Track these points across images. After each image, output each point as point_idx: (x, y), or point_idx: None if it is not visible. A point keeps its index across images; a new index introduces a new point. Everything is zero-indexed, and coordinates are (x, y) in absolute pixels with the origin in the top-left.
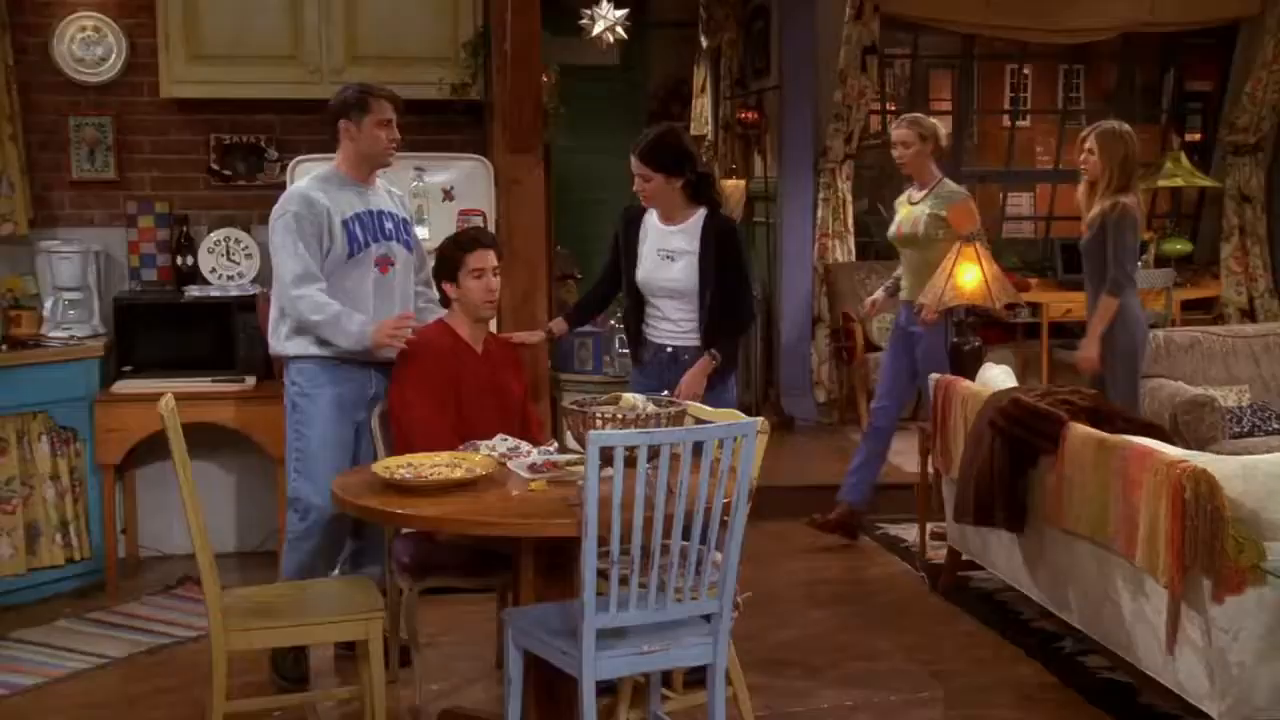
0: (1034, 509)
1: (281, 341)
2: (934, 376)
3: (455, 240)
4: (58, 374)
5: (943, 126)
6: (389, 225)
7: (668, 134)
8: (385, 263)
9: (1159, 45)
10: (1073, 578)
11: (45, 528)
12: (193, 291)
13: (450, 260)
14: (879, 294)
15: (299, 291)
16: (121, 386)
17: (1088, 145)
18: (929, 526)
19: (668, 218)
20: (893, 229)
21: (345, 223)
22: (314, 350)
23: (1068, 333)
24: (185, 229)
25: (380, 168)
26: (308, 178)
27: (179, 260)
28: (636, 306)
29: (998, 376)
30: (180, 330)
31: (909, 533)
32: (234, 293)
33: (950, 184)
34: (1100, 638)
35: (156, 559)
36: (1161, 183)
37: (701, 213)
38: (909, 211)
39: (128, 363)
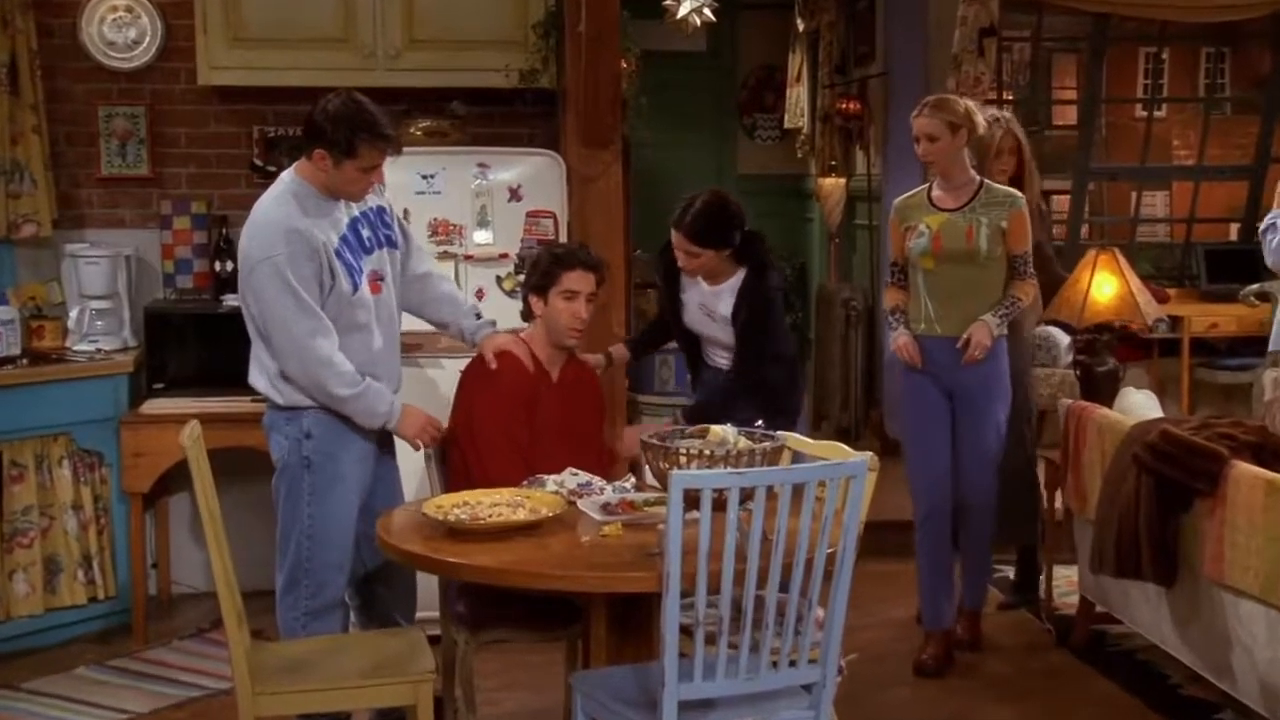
0: (1187, 560)
1: (287, 390)
2: (1065, 402)
3: (555, 254)
4: (82, 391)
5: (979, 109)
6: (366, 233)
7: (716, 207)
8: (377, 280)
9: None
10: (1236, 641)
11: (66, 563)
12: (232, 301)
13: (545, 274)
14: (905, 335)
15: (318, 355)
16: (152, 406)
17: None
18: (1057, 571)
19: (712, 279)
20: (923, 241)
21: (338, 252)
22: None
23: (1211, 350)
24: (225, 231)
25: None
26: (275, 200)
27: (218, 266)
28: (689, 342)
29: (1140, 403)
30: (218, 344)
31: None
32: None
33: (999, 186)
34: (1270, 714)
35: (191, 597)
36: None
37: (742, 274)
38: (947, 221)
39: (160, 380)
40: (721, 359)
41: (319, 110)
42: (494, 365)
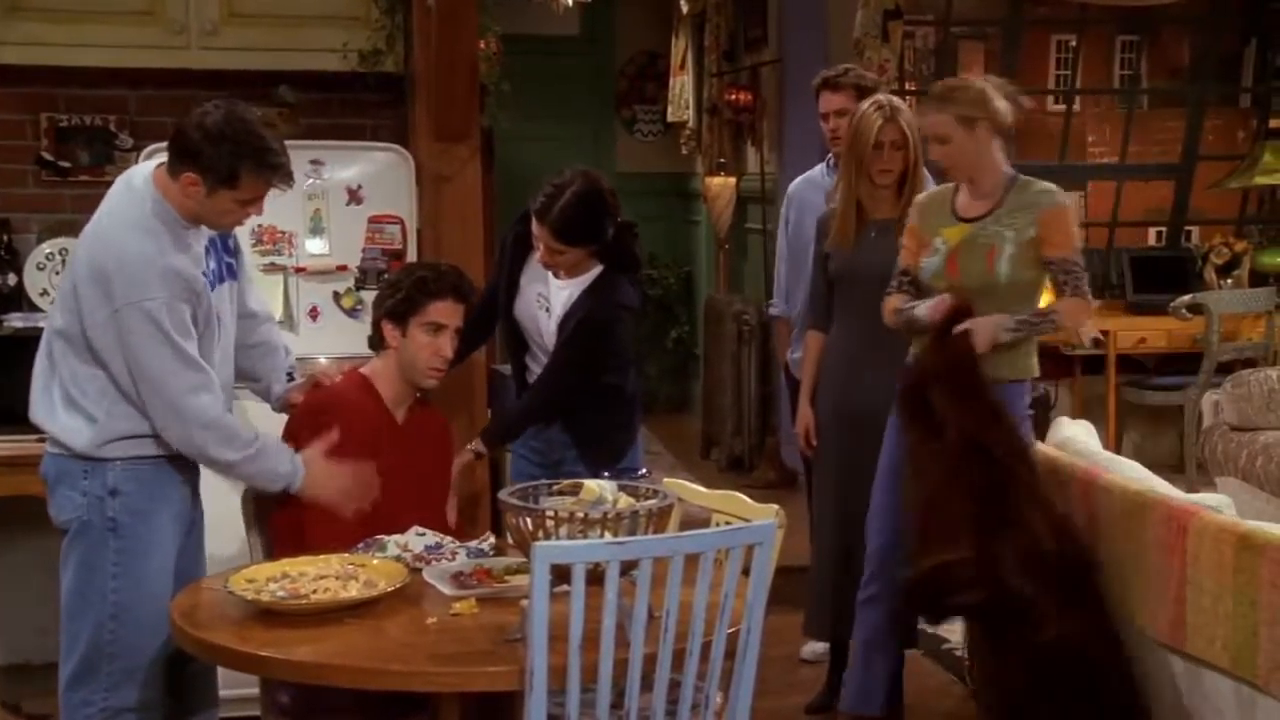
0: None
1: (88, 431)
2: None
3: (420, 277)
4: None
5: (1001, 89)
6: (212, 264)
7: (592, 197)
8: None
9: (1239, 9)
10: (1201, 716)
11: None
12: (14, 321)
13: (406, 300)
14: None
15: (202, 416)
16: None
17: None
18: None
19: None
20: (937, 261)
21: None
22: (150, 449)
23: (1139, 367)
24: (8, 237)
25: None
26: (137, 225)
27: None
28: (515, 339)
29: (1077, 435)
30: None
31: (954, 630)
32: None
33: (1035, 182)
34: None
35: None
36: (1259, 179)
37: (596, 273)
38: (967, 236)
39: None
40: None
41: (194, 125)
42: (325, 383)
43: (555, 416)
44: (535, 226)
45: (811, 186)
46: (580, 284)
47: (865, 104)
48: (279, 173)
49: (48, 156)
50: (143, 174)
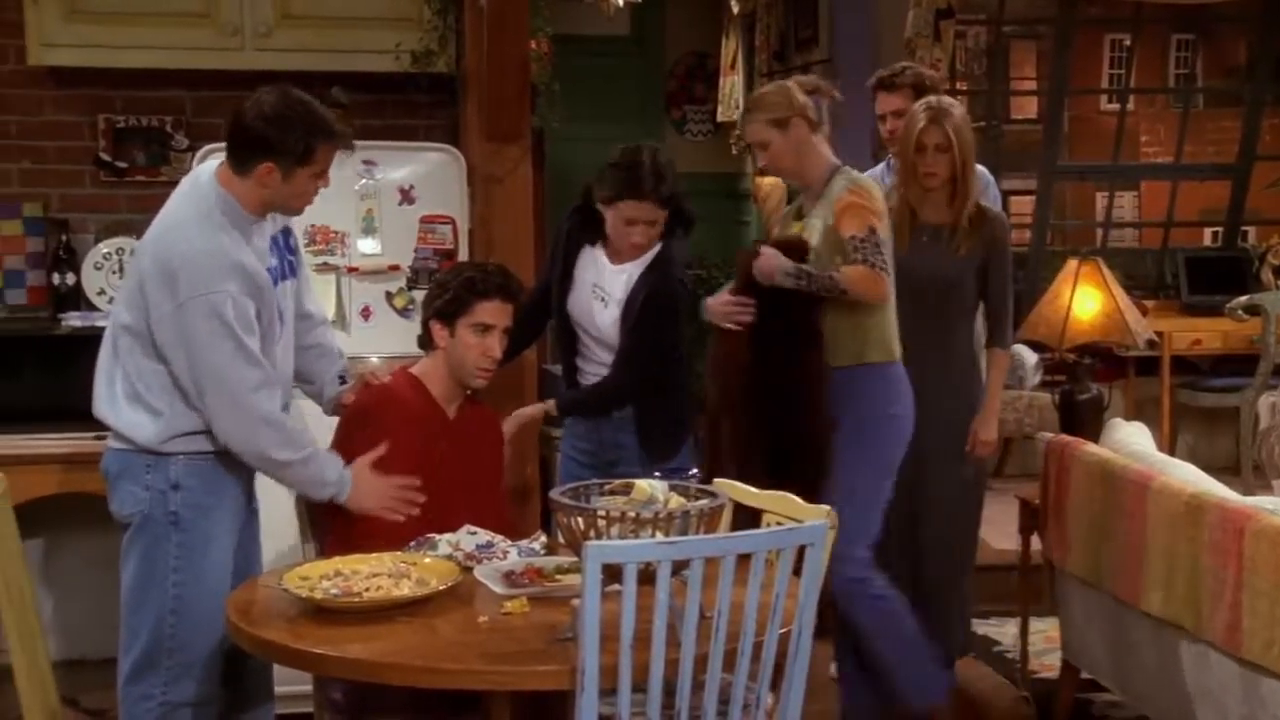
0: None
1: (152, 425)
2: (1045, 436)
3: (468, 277)
4: None
5: (805, 85)
6: (274, 262)
7: (659, 156)
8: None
9: None
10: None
11: None
12: (73, 320)
13: (454, 300)
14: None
15: (260, 413)
16: None
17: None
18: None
19: (618, 256)
20: None
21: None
22: (211, 444)
23: (1193, 369)
24: (66, 237)
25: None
26: (205, 220)
27: (57, 279)
28: (567, 336)
29: (1131, 436)
30: (56, 371)
31: (1005, 631)
32: None
33: (848, 170)
34: None
35: None
36: None
37: (655, 250)
38: (801, 228)
39: None
40: (596, 371)
41: (253, 116)
42: (374, 383)
43: (631, 398)
44: (629, 207)
45: None
46: (638, 266)
47: (917, 105)
48: (344, 138)
49: (105, 157)
50: (208, 172)
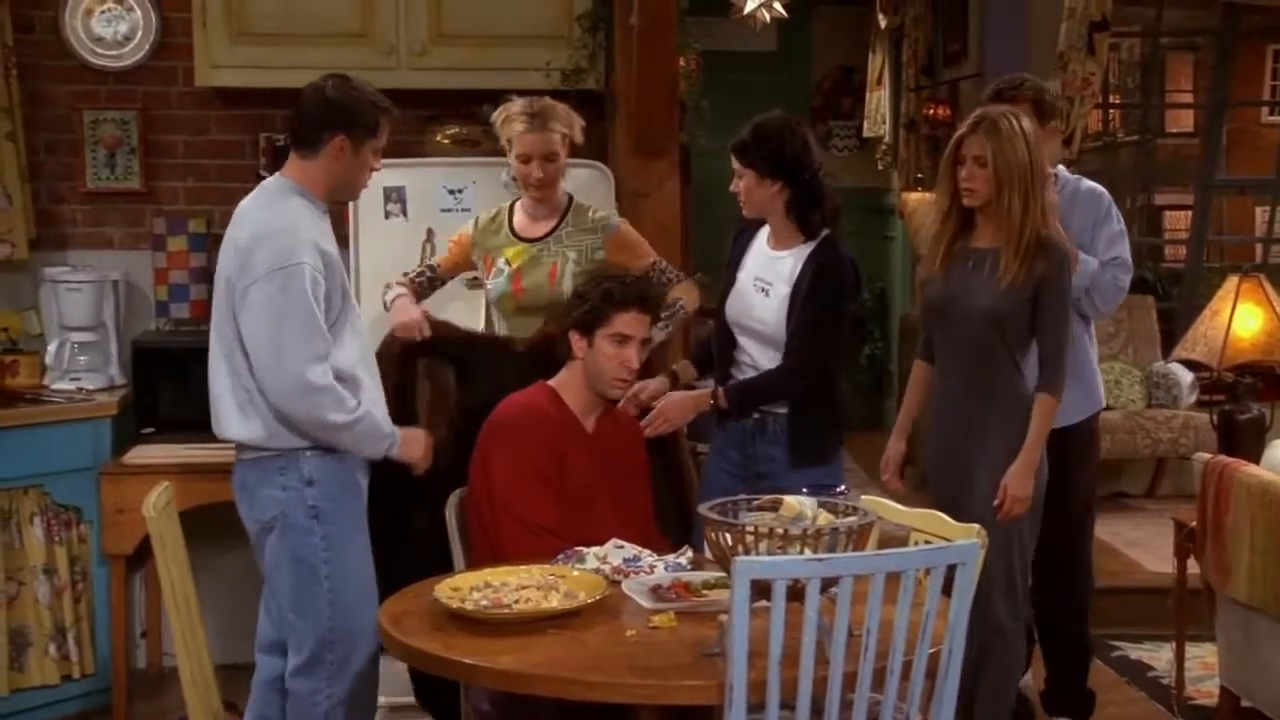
0: None
1: (278, 430)
2: (1203, 457)
3: (606, 289)
4: (59, 437)
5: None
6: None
7: (772, 121)
8: None
9: None
10: None
11: (37, 636)
12: None
13: (592, 310)
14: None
15: (316, 381)
16: (139, 454)
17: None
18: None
19: (776, 238)
20: (503, 280)
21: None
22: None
23: None
24: None
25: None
26: (280, 208)
27: None
28: (725, 344)
29: None
30: None
31: (1159, 656)
32: None
33: (587, 205)
34: None
35: None
36: None
37: (817, 240)
38: (527, 253)
39: (149, 423)
40: (752, 374)
41: (317, 102)
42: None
43: (803, 378)
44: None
45: None
46: (801, 253)
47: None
48: (393, 111)
49: (265, 174)
50: (270, 181)
